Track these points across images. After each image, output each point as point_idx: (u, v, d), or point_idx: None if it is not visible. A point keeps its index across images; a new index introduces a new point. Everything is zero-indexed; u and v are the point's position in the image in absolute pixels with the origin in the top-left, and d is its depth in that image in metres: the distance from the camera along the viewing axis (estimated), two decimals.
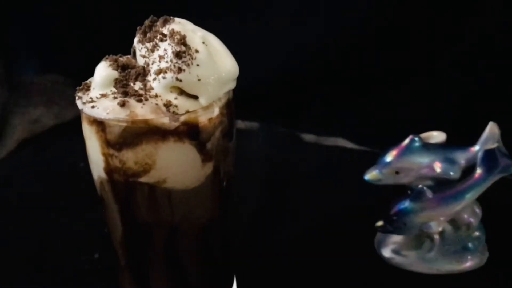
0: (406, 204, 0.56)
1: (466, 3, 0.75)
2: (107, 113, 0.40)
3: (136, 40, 0.44)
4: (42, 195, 0.72)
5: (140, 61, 0.43)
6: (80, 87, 0.43)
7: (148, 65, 0.42)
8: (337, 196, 0.69)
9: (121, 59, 0.44)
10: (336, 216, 0.65)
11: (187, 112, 0.40)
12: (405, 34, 0.79)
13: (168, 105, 0.40)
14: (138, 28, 0.44)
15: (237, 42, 0.83)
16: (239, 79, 0.44)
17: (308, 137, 0.83)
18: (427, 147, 0.56)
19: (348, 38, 0.81)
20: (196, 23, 0.44)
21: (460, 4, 0.75)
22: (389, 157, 0.56)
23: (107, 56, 0.44)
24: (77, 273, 0.59)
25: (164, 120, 0.40)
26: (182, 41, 0.41)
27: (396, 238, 0.59)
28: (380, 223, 0.57)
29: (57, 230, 0.65)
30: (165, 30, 0.42)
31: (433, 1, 0.76)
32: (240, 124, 0.87)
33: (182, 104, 0.41)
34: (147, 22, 0.43)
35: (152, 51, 0.42)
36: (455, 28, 0.76)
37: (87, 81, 0.44)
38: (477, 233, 0.57)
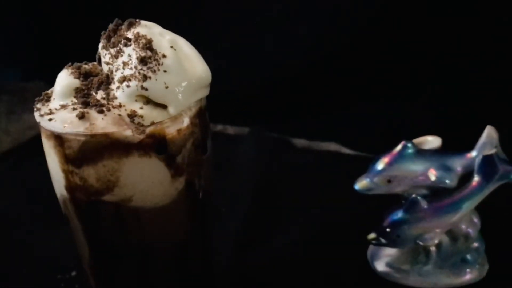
0: (400, 215, 0.53)
1: (461, 5, 0.72)
2: (65, 127, 0.37)
3: (100, 45, 0.41)
4: (17, 210, 0.69)
5: (105, 69, 0.40)
6: (40, 98, 0.40)
7: (112, 72, 0.39)
8: (330, 205, 0.66)
9: (85, 66, 0.41)
10: (328, 226, 0.63)
11: (153, 123, 0.37)
12: (398, 38, 0.76)
13: (132, 115, 0.37)
14: (102, 33, 0.41)
15: (227, 46, 0.82)
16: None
17: (300, 142, 0.80)
18: (421, 153, 0.53)
19: (341, 42, 0.79)
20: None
21: (455, 5, 0.73)
22: (380, 165, 0.53)
23: (69, 63, 0.41)
24: None
25: (127, 133, 0.37)
26: (148, 46, 0.37)
27: (390, 251, 0.56)
28: (372, 236, 0.54)
29: (32, 248, 0.62)
30: (129, 34, 0.39)
31: (428, 5, 0.74)
32: (230, 129, 0.84)
33: (149, 114, 0.37)
34: (111, 26, 0.40)
35: (116, 57, 0.39)
36: (449, 31, 0.73)
37: (48, 91, 0.41)
38: (475, 244, 0.54)
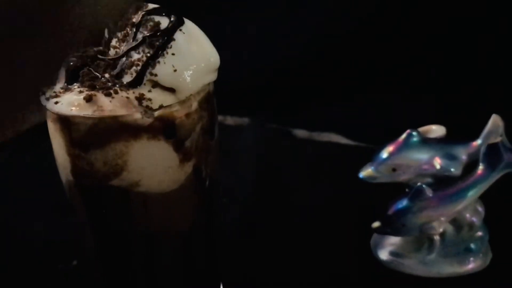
0: (405, 203, 0.52)
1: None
2: (72, 109, 0.36)
3: (106, 30, 0.40)
4: (17, 198, 0.68)
5: (112, 53, 0.39)
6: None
7: (119, 56, 0.38)
8: (331, 195, 0.66)
9: (91, 50, 0.40)
10: (330, 216, 0.63)
11: (162, 106, 0.36)
12: (399, 28, 0.76)
13: (141, 98, 0.36)
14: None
15: (229, 37, 0.81)
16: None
17: (301, 133, 0.80)
18: (426, 142, 0.53)
19: (342, 32, 0.79)
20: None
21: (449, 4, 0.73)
22: (385, 153, 0.53)
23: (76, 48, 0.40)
24: (54, 282, 0.55)
25: (136, 116, 0.36)
26: (156, 28, 0.37)
27: (394, 240, 0.56)
28: (376, 224, 0.54)
29: (32, 237, 0.61)
30: (137, 17, 0.38)
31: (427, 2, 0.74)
32: (229, 120, 0.84)
33: (157, 97, 0.37)
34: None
35: (123, 41, 0.38)
36: (450, 21, 0.73)
37: (54, 75, 0.40)
38: (479, 233, 0.54)
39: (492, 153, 0.51)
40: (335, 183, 0.67)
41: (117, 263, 0.42)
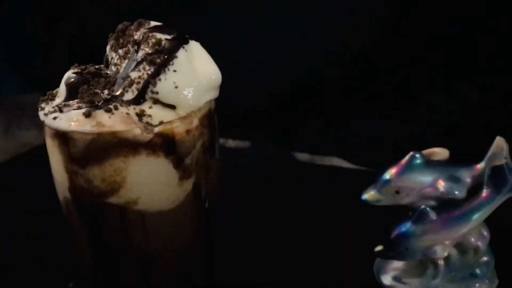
0: (408, 226, 0.51)
1: (458, 21, 0.72)
2: (71, 124, 0.36)
3: (108, 47, 0.40)
4: (13, 218, 0.67)
5: (113, 70, 0.39)
6: (44, 97, 0.39)
7: (120, 73, 0.38)
8: (333, 219, 0.64)
9: (91, 68, 0.40)
10: (332, 240, 0.61)
11: (162, 122, 0.36)
12: (400, 51, 0.76)
13: (141, 114, 0.36)
14: (110, 34, 0.40)
15: (229, 59, 0.81)
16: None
17: (302, 156, 0.79)
18: (430, 164, 0.52)
19: (342, 57, 0.79)
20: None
21: (457, 22, 0.73)
22: (388, 175, 0.52)
23: (76, 64, 0.40)
24: None
25: (136, 132, 0.35)
26: (158, 46, 0.36)
27: (397, 264, 0.55)
28: (379, 248, 0.53)
29: (27, 258, 0.60)
30: (139, 35, 0.38)
31: (431, 20, 0.74)
32: (230, 142, 0.83)
33: (157, 114, 0.36)
34: (120, 27, 0.39)
35: (125, 58, 0.38)
36: (454, 44, 0.73)
37: (53, 91, 0.40)
38: (485, 258, 0.53)
39: (497, 176, 0.50)
40: (338, 207, 0.66)
41: (114, 283, 0.40)
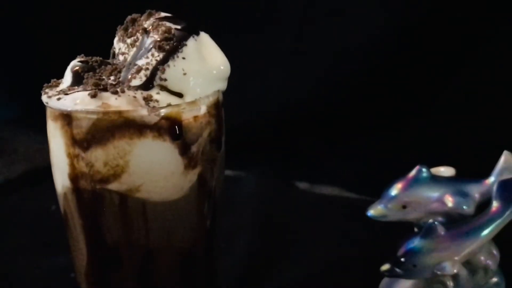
0: (416, 242, 0.49)
1: (464, 38, 0.74)
2: (76, 103, 0.34)
3: (116, 39, 0.40)
4: (7, 239, 0.65)
5: (120, 59, 0.39)
6: (49, 84, 0.38)
7: (127, 61, 0.37)
8: (334, 245, 0.63)
9: (98, 58, 0.40)
10: (333, 266, 0.59)
11: (169, 105, 0.35)
12: (399, 76, 0.77)
13: (148, 98, 0.35)
14: (118, 27, 0.40)
15: (227, 90, 0.82)
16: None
17: (302, 185, 0.78)
18: (436, 179, 0.51)
19: (342, 85, 0.79)
20: None
21: (458, 39, 0.74)
22: (394, 190, 0.51)
23: (82, 54, 0.39)
24: None
25: (143, 112, 0.34)
26: (167, 33, 0.36)
27: (405, 284, 0.52)
28: (386, 267, 0.51)
29: (21, 276, 0.57)
30: (148, 23, 0.37)
31: (431, 39, 0.75)
32: (229, 172, 0.82)
33: (164, 99, 0.35)
34: (129, 18, 0.39)
35: (133, 45, 0.37)
36: (456, 58, 0.74)
37: (57, 80, 0.39)
38: (495, 279, 0.51)
39: (506, 190, 0.49)
40: (338, 233, 0.65)
41: (111, 281, 0.38)
